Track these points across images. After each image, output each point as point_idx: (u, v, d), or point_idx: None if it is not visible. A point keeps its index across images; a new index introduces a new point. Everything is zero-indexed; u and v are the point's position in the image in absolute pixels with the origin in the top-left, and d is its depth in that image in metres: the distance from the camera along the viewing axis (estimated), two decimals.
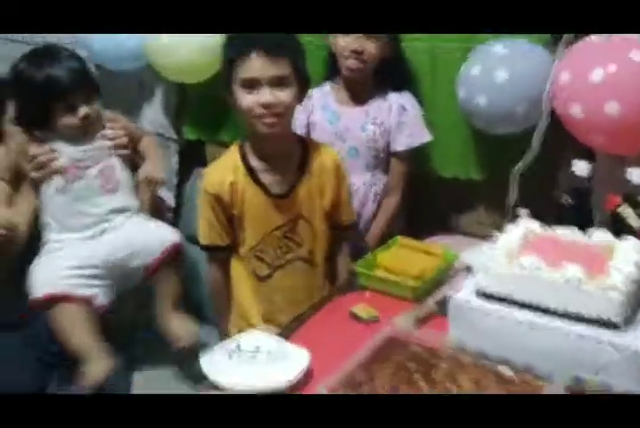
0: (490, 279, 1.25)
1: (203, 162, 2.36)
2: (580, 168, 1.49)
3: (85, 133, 1.73)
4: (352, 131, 1.87)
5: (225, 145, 1.92)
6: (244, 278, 1.66)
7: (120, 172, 1.78)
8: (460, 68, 1.77)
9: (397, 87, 1.88)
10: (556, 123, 1.67)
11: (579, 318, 1.17)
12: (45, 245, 1.73)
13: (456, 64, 1.80)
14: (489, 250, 1.29)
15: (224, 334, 1.66)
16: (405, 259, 1.59)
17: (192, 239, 2.25)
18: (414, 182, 1.97)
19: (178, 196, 2.46)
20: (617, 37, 1.58)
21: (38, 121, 1.70)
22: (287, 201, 1.60)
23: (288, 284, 1.66)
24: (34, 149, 1.69)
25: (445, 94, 1.88)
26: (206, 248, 1.66)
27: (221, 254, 1.67)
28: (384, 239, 1.78)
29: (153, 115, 2.45)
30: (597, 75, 1.50)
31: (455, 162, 1.96)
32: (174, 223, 2.43)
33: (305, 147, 1.63)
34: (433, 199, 2.06)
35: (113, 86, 2.57)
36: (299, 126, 1.86)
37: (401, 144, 1.87)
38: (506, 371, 1.15)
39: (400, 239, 1.71)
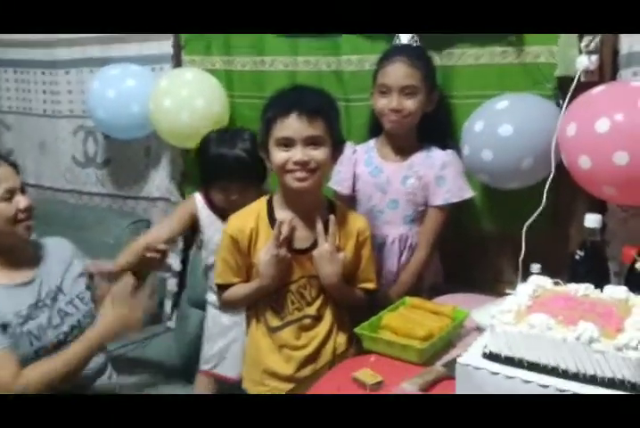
0: (497, 339, 1.16)
1: None
2: (590, 220, 1.42)
3: None
4: (393, 184, 1.87)
5: None
6: (256, 327, 1.66)
7: None
8: None
9: (441, 142, 1.89)
10: (568, 176, 1.63)
11: (594, 380, 1.07)
12: None
13: None
14: (497, 308, 1.21)
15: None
16: (411, 320, 1.50)
17: (195, 303, 2.22)
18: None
19: (184, 261, 2.42)
20: (622, 86, 1.56)
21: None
22: (305, 257, 1.59)
23: (294, 343, 1.63)
24: None
25: None
26: (220, 286, 1.67)
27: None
28: (414, 294, 1.73)
29: (160, 180, 2.46)
30: (603, 125, 1.46)
31: (474, 216, 1.96)
32: (179, 287, 2.40)
33: (332, 210, 1.64)
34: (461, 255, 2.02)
35: (122, 153, 2.63)
36: (345, 178, 1.91)
37: (439, 198, 1.84)
38: None
39: (409, 299, 1.63)
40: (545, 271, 1.58)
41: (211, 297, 2.01)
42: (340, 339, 1.65)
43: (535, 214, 1.66)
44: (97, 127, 2.55)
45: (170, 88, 2.14)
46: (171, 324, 2.45)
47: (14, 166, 1.66)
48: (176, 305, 2.44)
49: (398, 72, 1.77)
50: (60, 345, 1.63)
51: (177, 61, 2.36)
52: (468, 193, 1.86)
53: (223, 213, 1.90)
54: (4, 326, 1.54)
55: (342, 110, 1.99)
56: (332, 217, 1.57)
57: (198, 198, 1.95)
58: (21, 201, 1.62)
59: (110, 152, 2.66)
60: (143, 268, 1.78)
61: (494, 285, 2.02)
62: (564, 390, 1.07)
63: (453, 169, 1.84)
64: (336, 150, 1.58)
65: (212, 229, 1.94)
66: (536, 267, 1.63)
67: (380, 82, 1.80)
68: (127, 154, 2.60)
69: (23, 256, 1.69)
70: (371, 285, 1.69)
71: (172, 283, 2.46)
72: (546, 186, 1.64)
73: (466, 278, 1.99)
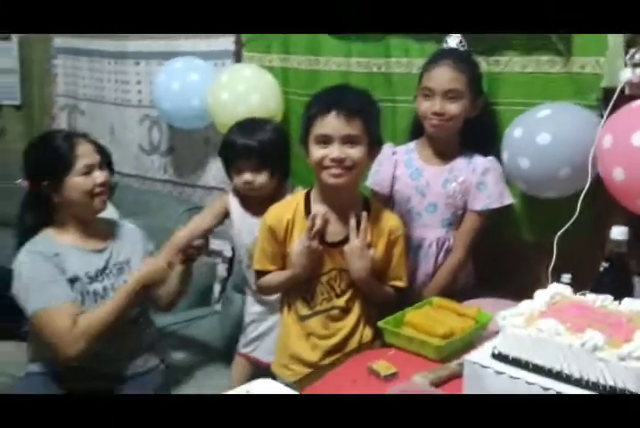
0: (507, 341, 1.21)
1: None
2: (617, 232, 1.44)
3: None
4: (433, 187, 1.90)
5: None
6: (287, 314, 1.75)
7: None
8: None
9: (483, 149, 1.90)
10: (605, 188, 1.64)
11: (596, 387, 1.11)
12: None
13: None
14: (509, 311, 1.26)
15: None
16: (434, 318, 1.56)
17: (239, 289, 2.33)
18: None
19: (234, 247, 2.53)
20: None
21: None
22: (336, 250, 1.66)
23: (321, 332, 1.70)
24: None
25: None
26: (257, 272, 1.76)
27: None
28: (447, 296, 1.77)
29: (216, 170, 2.58)
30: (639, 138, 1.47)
31: (511, 222, 1.98)
32: (228, 272, 2.52)
33: (367, 207, 1.70)
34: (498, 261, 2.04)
35: (183, 142, 2.77)
36: (383, 178, 1.96)
37: (479, 203, 1.87)
38: None
39: (436, 299, 1.69)
40: (578, 281, 1.59)
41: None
42: (367, 332, 1.71)
43: (568, 224, 1.68)
44: (161, 117, 2.69)
45: (229, 83, 2.26)
46: (218, 307, 2.57)
47: (95, 144, 1.83)
48: (224, 289, 2.56)
49: (443, 76, 1.79)
50: None
51: (238, 57, 2.48)
52: (508, 199, 1.88)
53: (251, 208, 2.01)
54: (73, 281, 1.74)
55: (390, 111, 2.07)
56: (364, 213, 1.63)
57: (231, 196, 2.06)
58: (99, 177, 1.78)
59: (173, 141, 2.80)
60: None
61: (527, 293, 2.04)
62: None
63: (494, 176, 1.86)
64: (373, 149, 1.64)
65: (242, 224, 2.03)
66: (566, 277, 1.64)
67: (424, 85, 1.83)
68: (187, 143, 2.74)
69: (99, 228, 1.88)
70: (401, 283, 1.74)
71: (222, 269, 2.57)
72: (581, 197, 1.66)
73: (500, 284, 1.99)
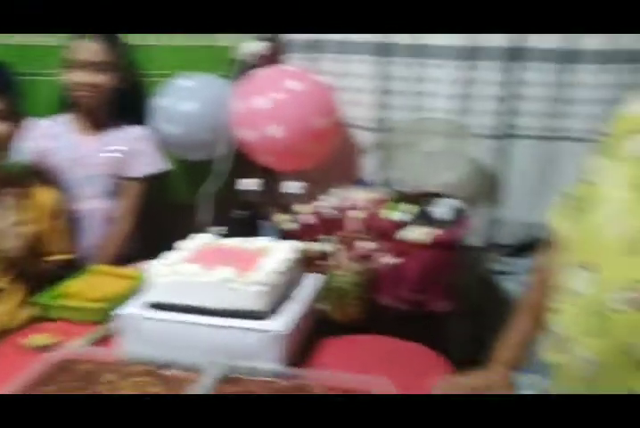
0: (154, 289, 1.31)
1: None
2: (246, 184, 1.63)
3: None
4: (89, 158, 1.93)
5: None
6: None
7: None
8: None
9: (133, 118, 1.97)
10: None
11: (233, 313, 1.26)
12: None
13: None
14: (155, 262, 1.35)
15: None
16: (92, 285, 1.59)
17: None
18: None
19: None
20: (275, 69, 1.79)
21: None
22: None
23: None
24: None
25: None
26: None
27: None
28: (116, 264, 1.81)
29: None
30: (261, 102, 1.67)
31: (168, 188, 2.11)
32: None
33: (18, 183, 1.65)
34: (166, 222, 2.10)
35: None
36: (37, 152, 1.89)
37: (136, 170, 1.95)
38: (167, 371, 1.21)
39: (95, 267, 1.72)
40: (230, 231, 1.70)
41: None
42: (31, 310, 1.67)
43: (206, 183, 1.87)
44: None
45: None
46: None
47: None
48: None
49: (90, 48, 1.84)
50: None
51: None
52: (164, 164, 2.00)
53: None
54: None
55: (29, 84, 2.01)
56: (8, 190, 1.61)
57: None
58: None
59: None
60: None
61: None
62: (209, 325, 1.25)
63: (148, 143, 1.96)
64: (18, 124, 1.61)
65: None
66: (215, 229, 1.76)
67: (72, 57, 1.85)
68: None
69: None
70: (66, 256, 1.74)
71: None
72: (219, 158, 1.84)
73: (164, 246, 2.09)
